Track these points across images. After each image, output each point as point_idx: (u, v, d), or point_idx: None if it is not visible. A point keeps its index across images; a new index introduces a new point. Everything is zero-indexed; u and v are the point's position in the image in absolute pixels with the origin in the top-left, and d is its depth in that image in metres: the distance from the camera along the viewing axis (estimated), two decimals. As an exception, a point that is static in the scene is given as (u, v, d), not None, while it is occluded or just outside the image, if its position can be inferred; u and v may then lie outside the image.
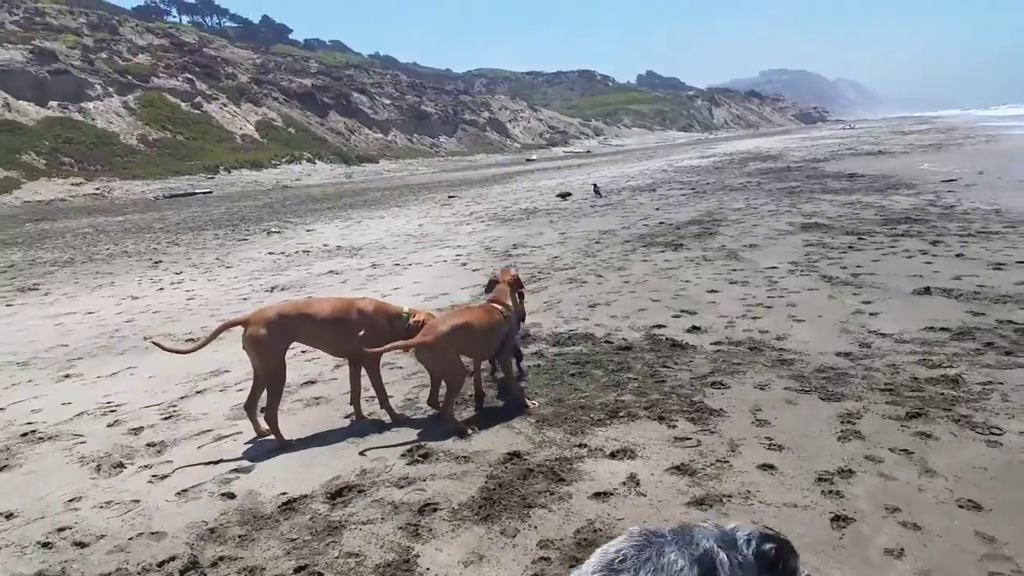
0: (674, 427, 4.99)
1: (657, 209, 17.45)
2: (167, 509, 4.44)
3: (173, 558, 3.87)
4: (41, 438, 5.73)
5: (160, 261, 14.88)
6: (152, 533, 4.16)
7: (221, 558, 3.84)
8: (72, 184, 38.37)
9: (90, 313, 10.43)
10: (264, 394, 5.29)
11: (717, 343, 6.80)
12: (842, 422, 4.88)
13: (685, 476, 4.31)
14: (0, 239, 21.47)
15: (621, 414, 5.23)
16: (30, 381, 7.33)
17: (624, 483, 4.26)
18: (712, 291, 8.82)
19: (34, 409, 6.43)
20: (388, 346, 5.24)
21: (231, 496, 4.54)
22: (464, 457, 4.76)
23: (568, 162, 48.86)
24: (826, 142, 48.69)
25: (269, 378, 5.25)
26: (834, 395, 5.34)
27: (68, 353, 8.38)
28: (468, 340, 5.34)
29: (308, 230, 18.78)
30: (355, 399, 5.64)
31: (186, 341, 8.26)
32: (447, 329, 5.20)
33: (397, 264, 12.61)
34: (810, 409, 5.15)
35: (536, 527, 3.87)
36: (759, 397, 5.45)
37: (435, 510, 4.13)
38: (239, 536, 4.05)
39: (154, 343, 5.69)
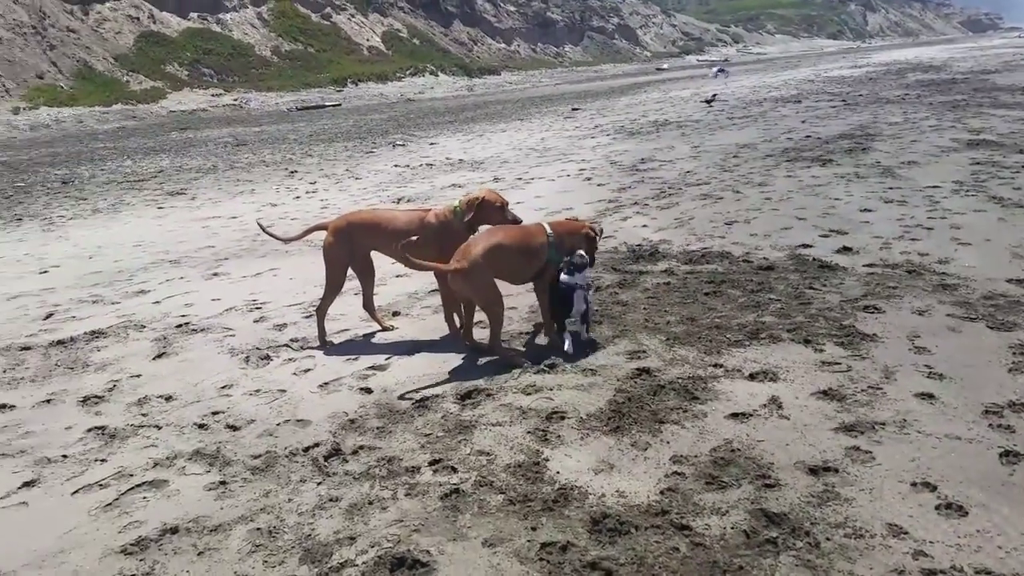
0: (821, 351, 4.72)
1: (803, 122, 16.37)
2: (310, 400, 4.68)
3: (317, 444, 4.08)
4: (194, 330, 6.15)
5: (295, 171, 15.46)
6: (298, 420, 4.40)
7: (361, 447, 4.01)
8: (212, 95, 40.29)
9: (233, 218, 11.01)
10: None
11: (870, 265, 6.34)
12: (1014, 353, 4.47)
13: (833, 401, 4.09)
14: (150, 146, 22.98)
15: (762, 335, 5.00)
16: (182, 278, 7.86)
17: (765, 405, 4.09)
18: (865, 210, 8.22)
19: (187, 303, 6.90)
20: (424, 263, 4.85)
21: (368, 391, 4.73)
22: (591, 370, 4.71)
23: (703, 71, 46.51)
24: (998, 52, 43.92)
25: (331, 283, 5.63)
26: (1004, 324, 4.89)
27: (215, 254, 8.92)
28: (504, 262, 4.93)
29: (431, 143, 18.94)
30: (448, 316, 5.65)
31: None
32: (481, 251, 4.80)
33: (519, 178, 12.51)
34: (976, 338, 4.75)
35: (668, 442, 3.79)
36: (917, 323, 5.06)
37: (563, 418, 4.13)
38: (377, 428, 4.21)
39: (259, 224, 6.19)
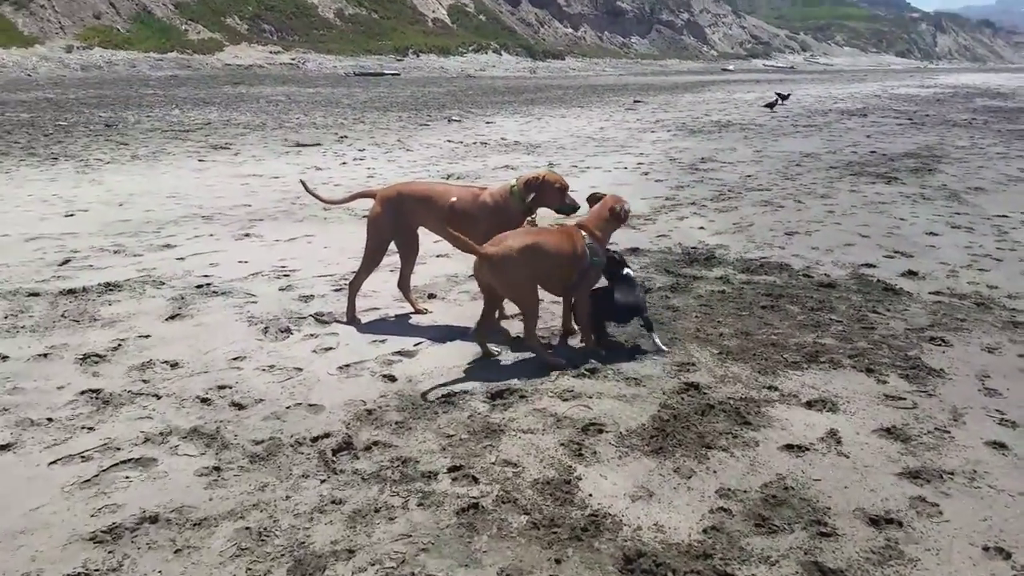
0: (884, 382, 4.25)
1: (868, 136, 15.65)
2: (327, 382, 4.33)
3: (328, 435, 3.73)
4: (215, 292, 5.84)
5: (346, 136, 15.18)
6: (310, 405, 4.05)
7: (375, 443, 3.65)
8: (270, 52, 40.32)
9: (275, 178, 10.74)
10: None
11: (937, 293, 5.81)
12: (1098, 407, 3.95)
13: (897, 441, 3.62)
14: (200, 97, 22.93)
15: (821, 359, 4.53)
16: (211, 235, 7.58)
17: (823, 439, 3.63)
18: (931, 233, 7.64)
19: (212, 263, 6.61)
20: (462, 239, 4.33)
21: (391, 379, 4.36)
22: (635, 379, 4.29)
23: (768, 76, 45.37)
24: (1071, 82, 42.04)
25: (370, 255, 5.30)
26: (1086, 372, 4.36)
27: (250, 213, 8.63)
28: (540, 265, 4.44)
29: (488, 122, 18.53)
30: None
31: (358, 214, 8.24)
32: (519, 245, 4.36)
33: (574, 166, 12.06)
34: (1053, 385, 4.23)
35: (716, 472, 3.36)
36: (987, 361, 4.56)
37: (600, 431, 3.72)
38: (396, 423, 3.84)
39: (302, 182, 5.75)
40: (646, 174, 11.29)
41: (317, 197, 5.66)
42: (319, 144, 14.16)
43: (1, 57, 31.08)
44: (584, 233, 4.63)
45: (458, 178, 10.84)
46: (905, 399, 4.05)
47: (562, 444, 3.60)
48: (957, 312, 5.40)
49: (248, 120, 17.61)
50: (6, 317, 5.29)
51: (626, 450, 3.54)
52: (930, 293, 5.81)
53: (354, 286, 5.31)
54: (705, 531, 2.94)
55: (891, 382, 4.25)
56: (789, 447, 3.56)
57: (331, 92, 26.94)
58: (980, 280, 6.17)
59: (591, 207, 4.88)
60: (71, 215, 8.47)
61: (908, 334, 4.95)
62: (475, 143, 14.71)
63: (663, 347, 4.63)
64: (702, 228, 7.91)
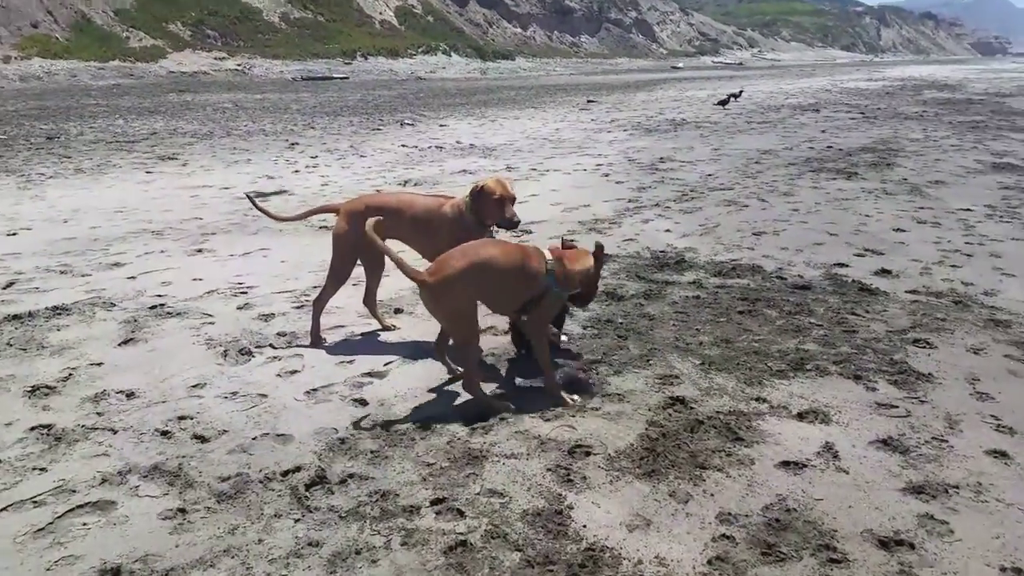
0: (874, 390, 4.16)
1: (823, 131, 15.82)
2: (295, 409, 4.08)
3: (299, 468, 3.48)
4: (169, 313, 5.52)
5: (296, 143, 14.78)
6: (278, 435, 3.80)
7: (351, 475, 3.42)
8: (215, 58, 39.36)
9: (225, 188, 10.36)
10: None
11: (913, 292, 5.79)
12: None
13: (896, 454, 3.52)
14: (145, 106, 22.20)
15: (807, 366, 4.43)
16: (162, 251, 7.22)
17: (819, 453, 3.52)
18: (898, 230, 7.67)
19: (164, 282, 6.27)
20: (402, 264, 3.91)
21: (363, 403, 4.13)
22: (618, 395, 4.12)
23: (718, 72, 45.91)
24: (1010, 75, 43.44)
25: (335, 273, 5.00)
26: (1075, 371, 4.34)
27: (202, 227, 8.27)
28: (486, 283, 3.98)
29: (441, 125, 18.27)
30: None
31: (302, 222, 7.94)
32: (460, 268, 3.86)
33: (534, 169, 11.90)
34: (1044, 385, 4.20)
35: (713, 495, 3.21)
36: (974, 363, 4.52)
37: (588, 454, 3.54)
38: (371, 452, 3.61)
39: (248, 196, 5.47)
40: (606, 175, 11.19)
41: (267, 214, 5.28)
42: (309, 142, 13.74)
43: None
44: (550, 257, 4.13)
45: (415, 184, 10.59)
46: (897, 407, 3.96)
47: (549, 469, 3.41)
48: (936, 311, 5.37)
49: (195, 129, 17.05)
50: (-55, 348, 4.91)
51: (617, 473, 3.38)
52: (906, 292, 5.78)
53: (318, 304, 5.04)
54: (710, 562, 2.79)
55: (881, 389, 4.17)
56: (786, 464, 3.43)
57: (279, 98, 26.37)
58: (954, 277, 6.18)
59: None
60: (13, 234, 8.00)
61: (891, 336, 4.89)
62: (430, 147, 14.46)
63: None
64: (668, 231, 7.81)
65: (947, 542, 2.90)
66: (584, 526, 3.01)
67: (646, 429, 3.74)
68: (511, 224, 4.69)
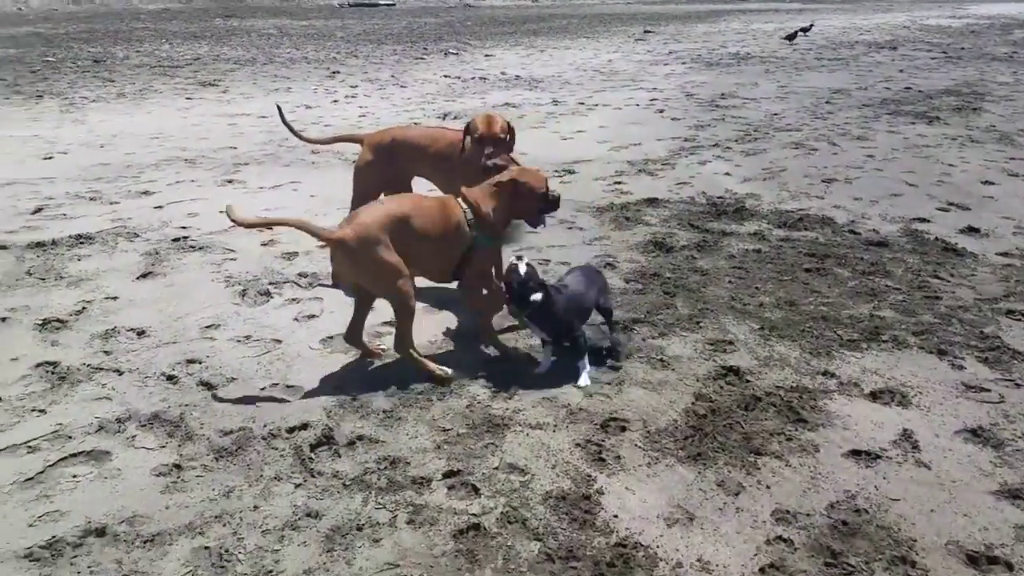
0: (961, 368, 3.63)
1: (901, 71, 14.63)
2: (308, 358, 3.76)
3: (306, 426, 3.17)
4: (192, 247, 5.24)
5: (337, 72, 14.29)
6: (288, 386, 3.50)
7: (360, 437, 3.10)
8: (262, -20, 38.54)
9: (263, 117, 10.00)
10: None
11: (1005, 254, 5.14)
12: None
13: (987, 447, 3.03)
14: (191, 31, 21.87)
15: (883, 336, 3.91)
16: (193, 181, 6.93)
17: (896, 443, 3.05)
18: (987, 182, 6.91)
19: (191, 213, 5.99)
20: (272, 220, 3.73)
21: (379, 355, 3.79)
22: (662, 361, 3.69)
23: (787, 5, 43.42)
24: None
25: (356, 207, 4.52)
26: None
27: (235, 156, 7.95)
28: (408, 242, 3.46)
29: (487, 55, 17.52)
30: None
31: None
32: (371, 220, 3.39)
33: (581, 103, 11.23)
34: None
35: (769, 487, 2.79)
36: (1080, 342, 3.93)
37: (623, 429, 3.14)
38: (384, 412, 3.28)
39: (278, 107, 5.22)
40: (661, 111, 10.48)
41: (295, 133, 4.94)
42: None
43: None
44: (461, 202, 3.64)
45: (455, 117, 10.07)
46: (989, 390, 3.44)
47: (578, 444, 3.03)
48: (1032, 279, 4.73)
49: (238, 55, 16.65)
50: (-36, 274, 4.73)
51: (656, 455, 2.97)
52: (998, 255, 5.13)
53: None
54: (762, 570, 2.38)
55: (968, 367, 3.63)
56: (856, 453, 2.98)
57: (324, 24, 25.72)
58: (1052, 238, 5.48)
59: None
60: (50, 157, 7.82)
61: (980, 305, 4.31)
62: (473, 78, 13.82)
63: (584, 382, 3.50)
64: (728, 174, 7.19)
65: (1051, 562, 2.43)
66: (615, 516, 2.62)
67: (693, 403, 3.31)
68: (485, 169, 4.13)
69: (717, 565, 2.40)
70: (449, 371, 3.55)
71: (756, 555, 2.45)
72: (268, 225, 3.45)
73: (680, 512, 2.65)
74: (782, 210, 6.05)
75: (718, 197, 6.42)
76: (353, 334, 3.68)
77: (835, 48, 18.66)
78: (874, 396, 3.38)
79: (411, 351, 3.55)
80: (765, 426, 3.14)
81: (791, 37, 20.65)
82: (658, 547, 2.48)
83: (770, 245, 5.27)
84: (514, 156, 4.44)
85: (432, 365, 3.56)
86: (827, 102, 11.11)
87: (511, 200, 3.70)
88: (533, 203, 3.76)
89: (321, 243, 3.52)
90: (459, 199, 3.66)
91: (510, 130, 4.35)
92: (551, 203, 3.81)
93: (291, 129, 4.91)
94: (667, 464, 2.91)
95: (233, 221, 3.32)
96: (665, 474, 2.85)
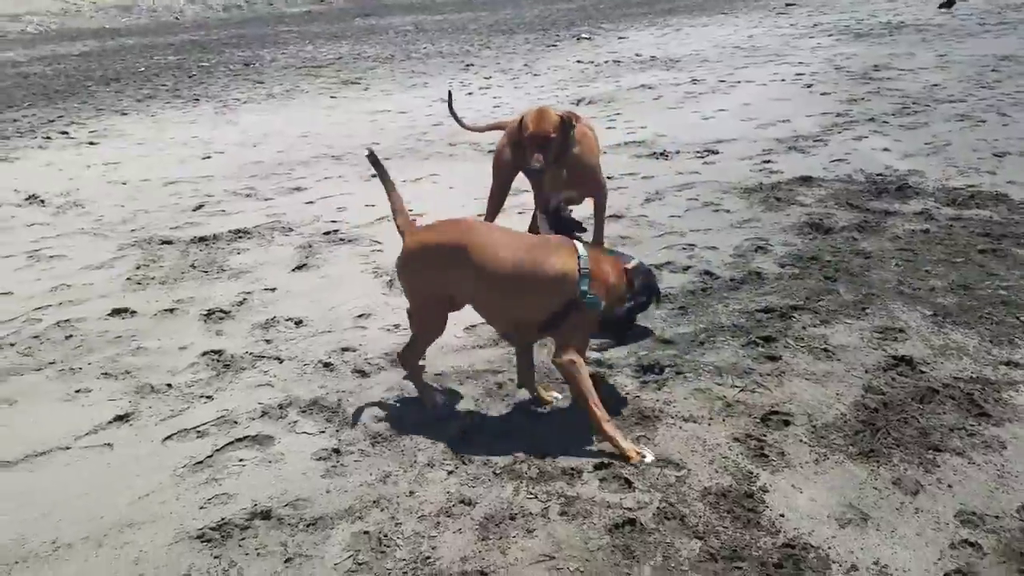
0: None
1: (1083, 31, 13.15)
2: (453, 345, 3.82)
3: (455, 414, 3.21)
4: (342, 239, 5.46)
5: (471, 64, 14.49)
6: (436, 374, 3.56)
7: (508, 427, 3.10)
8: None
9: (403, 112, 10.29)
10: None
11: None
12: None
13: None
14: (332, 32, 22.82)
15: (1075, 323, 3.52)
16: (340, 176, 7.23)
17: (1096, 441, 2.73)
18: None
19: (340, 207, 6.24)
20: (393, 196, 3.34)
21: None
22: (826, 351, 3.47)
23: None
24: None
25: (494, 196, 4.73)
26: None
27: (379, 152, 8.20)
28: (464, 276, 2.96)
29: (620, 37, 17.20)
30: None
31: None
32: (422, 239, 3.06)
33: (722, 80, 10.81)
34: None
35: (951, 486, 2.56)
36: None
37: (786, 423, 2.98)
38: (530, 401, 3.27)
39: (449, 93, 5.39)
40: (809, 86, 9.91)
41: (457, 119, 5.14)
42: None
43: (152, 1, 32.41)
44: (582, 254, 2.94)
45: (588, 102, 9.95)
46: None
47: (737, 439, 2.90)
48: None
49: (377, 53, 17.23)
50: (139, 267, 5.16)
51: (824, 451, 2.79)
52: None
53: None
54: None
55: None
56: (1050, 451, 2.69)
57: (458, 17, 26.15)
58: None
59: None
60: (208, 157, 8.40)
61: None
62: (607, 62, 13.60)
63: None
64: (887, 150, 6.70)
65: None
66: (782, 515, 2.49)
67: (863, 397, 3.09)
68: (536, 172, 3.89)
69: (896, 569, 2.23)
70: (442, 399, 3.27)
71: (940, 559, 2.25)
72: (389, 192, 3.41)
73: (853, 512, 2.47)
74: (950, 187, 5.56)
75: (878, 175, 5.99)
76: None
77: (999, 11, 16.96)
78: (1070, 389, 3.03)
79: (416, 373, 3.30)
80: (944, 420, 2.89)
81: (948, 4, 18.99)
82: (830, 548, 2.32)
83: (939, 225, 4.85)
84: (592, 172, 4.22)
85: (433, 393, 3.29)
86: (993, 70, 10.11)
87: (622, 289, 3.02)
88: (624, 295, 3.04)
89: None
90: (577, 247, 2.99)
91: (563, 128, 3.89)
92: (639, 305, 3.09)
93: (455, 116, 5.12)
94: (836, 461, 2.73)
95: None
96: (835, 472, 2.68)
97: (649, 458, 2.80)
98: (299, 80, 13.78)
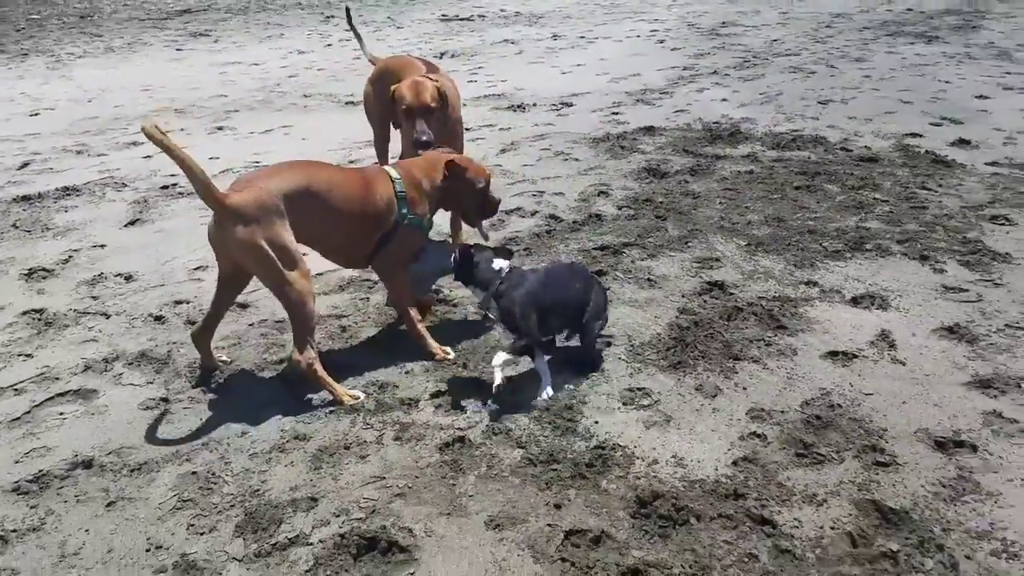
0: (942, 272, 3.65)
1: (902, -9, 14.25)
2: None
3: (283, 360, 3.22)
4: (180, 193, 5.27)
5: (332, 16, 14.08)
6: (276, 321, 3.54)
7: (350, 364, 3.14)
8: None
9: (255, 64, 9.91)
10: None
11: (994, 164, 5.11)
12: None
13: (961, 343, 3.06)
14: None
15: (867, 246, 3.92)
16: (182, 130, 6.92)
17: (873, 343, 3.08)
18: (981, 96, 6.81)
19: (181, 160, 6.00)
20: (176, 151, 2.77)
21: (369, 286, 3.82)
22: (649, 280, 3.71)
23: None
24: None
25: (376, 141, 4.65)
26: None
27: (226, 104, 7.91)
28: (310, 217, 2.84)
29: (486, -6, 17.15)
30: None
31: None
32: (268, 189, 2.74)
33: (582, 36, 11.06)
34: None
35: (746, 389, 2.83)
36: (1063, 242, 3.93)
37: (608, 344, 3.18)
38: (371, 339, 3.32)
39: (347, 8, 5.33)
40: (662, 42, 10.31)
41: (358, 36, 5.31)
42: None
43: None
44: (396, 176, 3.12)
45: (452, 56, 9.94)
46: (968, 290, 3.46)
47: (564, 361, 3.06)
48: (1020, 185, 4.71)
49: (229, 4, 16.41)
50: (-47, 230, 4.78)
51: (638, 366, 3.01)
52: (986, 164, 5.09)
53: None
54: (735, 463, 2.44)
55: (949, 271, 3.64)
56: (833, 354, 3.01)
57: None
58: (1042, 147, 5.43)
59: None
60: (36, 114, 7.82)
61: (965, 213, 4.30)
62: (471, 16, 13.58)
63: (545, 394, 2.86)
64: (725, 100, 7.10)
65: (1017, 445, 2.48)
66: (596, 422, 2.68)
67: (677, 317, 3.34)
68: (416, 144, 3.64)
69: (691, 461, 2.46)
70: (361, 395, 2.89)
71: (730, 450, 2.50)
72: (171, 153, 2.78)
73: (659, 416, 2.70)
74: (776, 132, 5.99)
75: (714, 123, 6.35)
76: (205, 334, 3.07)
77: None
78: (855, 301, 3.40)
79: (314, 367, 2.83)
80: (746, 334, 3.17)
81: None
82: (635, 448, 2.53)
83: (762, 166, 5.23)
84: (455, 125, 3.96)
85: (340, 389, 2.88)
86: (827, 26, 10.87)
87: (449, 184, 3.21)
88: (472, 197, 3.29)
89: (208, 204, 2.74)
90: (390, 169, 3.16)
91: (442, 97, 3.73)
92: (491, 205, 3.39)
93: (356, 34, 5.27)
94: (648, 374, 2.95)
95: (145, 134, 2.68)
96: (646, 382, 2.90)
97: (452, 356, 3.13)
98: (142, 33, 12.95)
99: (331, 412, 2.84)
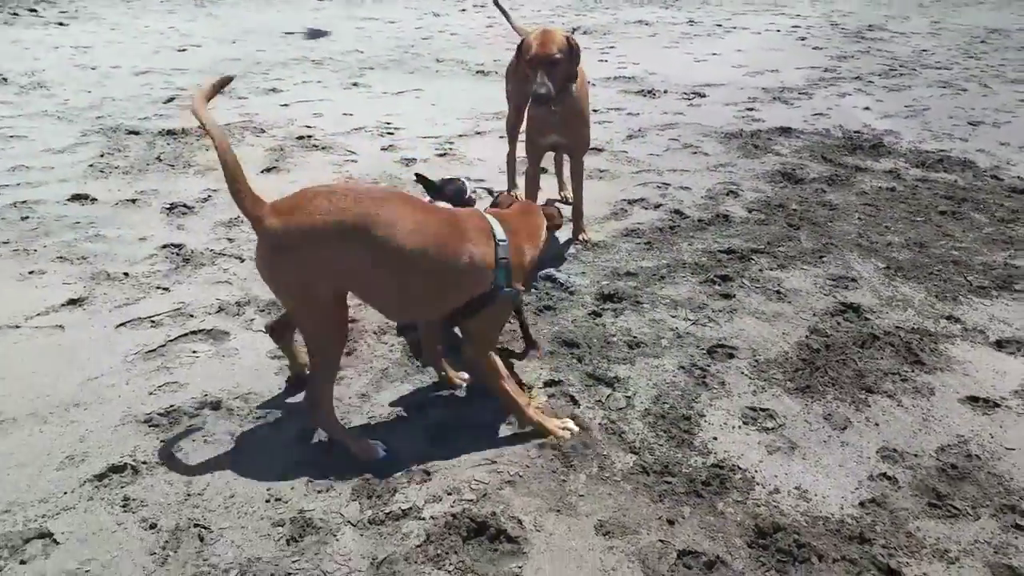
0: (1104, 328, 3.36)
1: (1077, 8, 13.15)
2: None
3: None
4: (315, 146, 5.41)
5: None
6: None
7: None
8: None
9: (391, 23, 10.05)
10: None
11: None
12: None
13: (1121, 410, 2.82)
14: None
15: (1017, 286, 3.65)
16: (319, 82, 7.10)
17: (1017, 392, 2.87)
18: None
19: (316, 113, 6.15)
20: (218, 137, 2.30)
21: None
22: (778, 293, 3.57)
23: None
24: None
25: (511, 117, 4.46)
26: None
27: (362, 61, 8.06)
28: (359, 260, 2.26)
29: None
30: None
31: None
32: (320, 222, 2.20)
33: (719, 24, 10.71)
34: None
35: (878, 424, 2.70)
36: None
37: (731, 356, 3.09)
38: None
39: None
40: (803, 39, 9.86)
41: (502, 10, 4.87)
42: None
43: None
44: (501, 237, 2.50)
45: (584, 32, 9.81)
46: None
47: (682, 367, 3.00)
48: None
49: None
50: (102, 155, 5.07)
51: (762, 384, 2.91)
52: None
53: (511, 159, 4.58)
54: (863, 504, 2.33)
55: (1112, 326, 3.35)
56: (974, 400, 2.83)
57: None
58: None
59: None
60: (183, 50, 8.18)
61: None
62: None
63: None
64: (868, 109, 6.74)
65: None
66: (715, 438, 2.61)
67: (807, 337, 3.21)
68: (535, 98, 3.41)
69: (816, 495, 2.36)
70: (380, 450, 2.49)
71: (857, 488, 2.39)
72: (209, 135, 2.35)
73: (782, 440, 2.60)
74: (921, 150, 5.64)
75: (855, 132, 6.05)
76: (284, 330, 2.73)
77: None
78: (999, 344, 3.18)
79: (329, 416, 2.48)
80: (880, 365, 3.01)
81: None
82: (757, 473, 2.45)
83: (905, 184, 4.94)
84: (580, 79, 3.67)
85: (358, 441, 2.50)
86: (982, 41, 10.13)
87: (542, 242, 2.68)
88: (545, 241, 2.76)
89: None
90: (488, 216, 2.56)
91: (571, 49, 3.46)
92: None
93: (501, 9, 4.87)
94: (772, 395, 2.85)
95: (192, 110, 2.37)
96: (770, 403, 2.80)
97: (575, 430, 2.61)
98: (285, -20, 13.32)
99: (449, 391, 2.86)
